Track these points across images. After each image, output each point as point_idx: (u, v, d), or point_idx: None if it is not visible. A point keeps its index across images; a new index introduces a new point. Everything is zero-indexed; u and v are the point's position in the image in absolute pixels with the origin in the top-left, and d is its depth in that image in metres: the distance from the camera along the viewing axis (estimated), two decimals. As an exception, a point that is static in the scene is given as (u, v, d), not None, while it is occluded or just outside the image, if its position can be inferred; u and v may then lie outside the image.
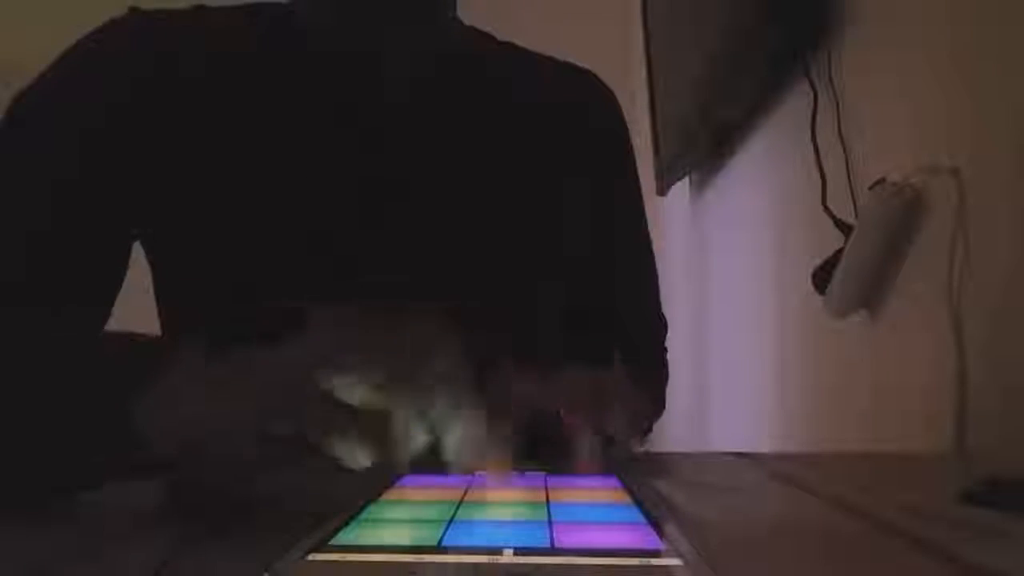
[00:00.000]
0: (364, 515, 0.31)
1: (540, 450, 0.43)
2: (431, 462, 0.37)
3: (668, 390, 0.75)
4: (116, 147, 0.55)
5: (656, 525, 0.30)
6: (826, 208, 0.82)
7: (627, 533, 0.29)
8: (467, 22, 0.67)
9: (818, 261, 0.81)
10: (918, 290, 0.69)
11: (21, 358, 0.44)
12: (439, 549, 0.26)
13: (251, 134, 0.57)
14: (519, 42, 0.69)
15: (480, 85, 0.64)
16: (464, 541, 0.27)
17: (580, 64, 0.71)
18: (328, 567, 0.25)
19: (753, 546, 0.29)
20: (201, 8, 0.61)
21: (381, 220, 0.58)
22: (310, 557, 0.25)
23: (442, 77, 0.62)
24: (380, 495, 0.36)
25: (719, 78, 1.17)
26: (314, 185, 0.58)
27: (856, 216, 0.77)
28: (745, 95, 1.13)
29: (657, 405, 0.73)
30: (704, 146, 1.41)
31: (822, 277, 0.80)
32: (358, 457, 0.36)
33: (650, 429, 0.69)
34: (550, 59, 0.70)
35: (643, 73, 1.81)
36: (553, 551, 0.26)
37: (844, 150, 0.81)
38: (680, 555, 0.25)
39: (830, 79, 0.83)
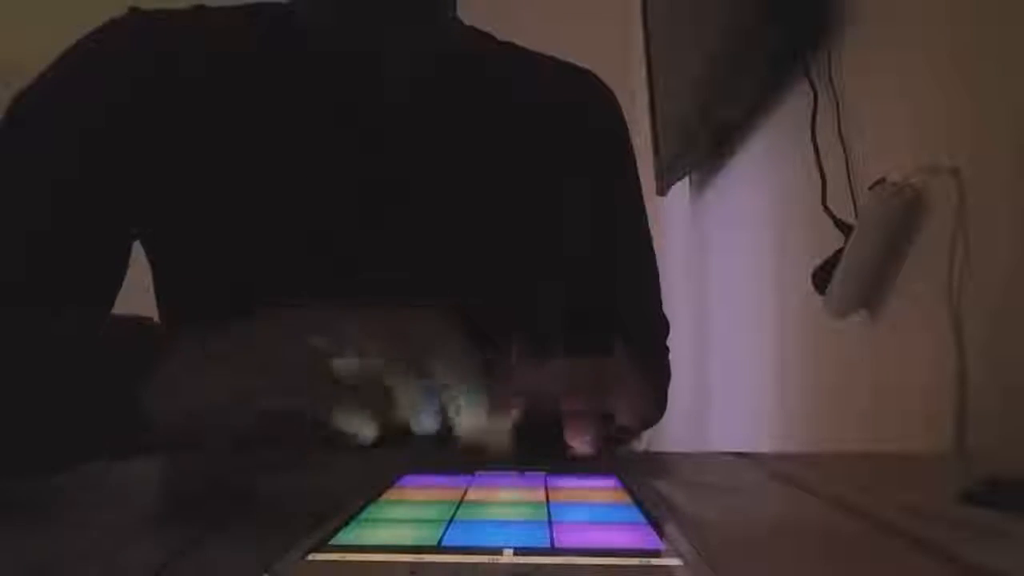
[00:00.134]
0: (364, 515, 0.31)
1: (539, 440, 0.43)
2: (433, 444, 0.37)
3: (669, 391, 0.75)
4: (116, 147, 0.55)
5: (656, 525, 0.30)
6: (826, 208, 0.82)
7: (627, 533, 0.29)
8: (467, 22, 0.67)
9: (818, 261, 0.81)
10: (918, 290, 0.69)
11: (22, 348, 0.44)
12: (439, 549, 0.26)
13: (251, 134, 0.57)
14: (519, 42, 0.69)
15: (480, 85, 0.64)
16: (464, 541, 0.27)
17: (580, 64, 0.71)
18: (328, 567, 0.25)
19: (753, 546, 0.29)
20: (201, 8, 0.61)
21: (381, 220, 0.58)
22: (310, 557, 0.25)
23: (442, 77, 0.62)
24: (380, 495, 0.36)
25: (719, 78, 1.17)
26: (314, 185, 0.58)
27: (856, 216, 0.77)
28: (745, 95, 1.13)
29: (658, 405, 0.73)
30: (704, 146, 1.41)
31: (822, 277, 0.80)
32: (362, 430, 0.36)
33: (653, 422, 0.69)
34: (550, 59, 0.70)
35: (643, 73, 1.80)
36: (553, 551, 0.26)
37: (844, 150, 0.81)
38: (680, 555, 0.25)
39: (830, 79, 0.83)
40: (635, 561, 0.25)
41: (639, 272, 0.73)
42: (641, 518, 0.31)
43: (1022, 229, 0.54)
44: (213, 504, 0.36)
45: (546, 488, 0.37)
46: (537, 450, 0.42)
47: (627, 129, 0.72)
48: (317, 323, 0.38)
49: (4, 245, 0.53)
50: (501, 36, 0.69)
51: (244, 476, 0.41)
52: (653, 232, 0.74)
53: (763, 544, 0.30)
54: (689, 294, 1.70)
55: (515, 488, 0.37)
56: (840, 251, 0.77)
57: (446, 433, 0.38)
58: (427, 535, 0.28)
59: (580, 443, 0.43)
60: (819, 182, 0.84)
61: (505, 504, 0.34)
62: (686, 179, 1.69)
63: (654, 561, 0.25)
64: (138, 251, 0.60)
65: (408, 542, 0.27)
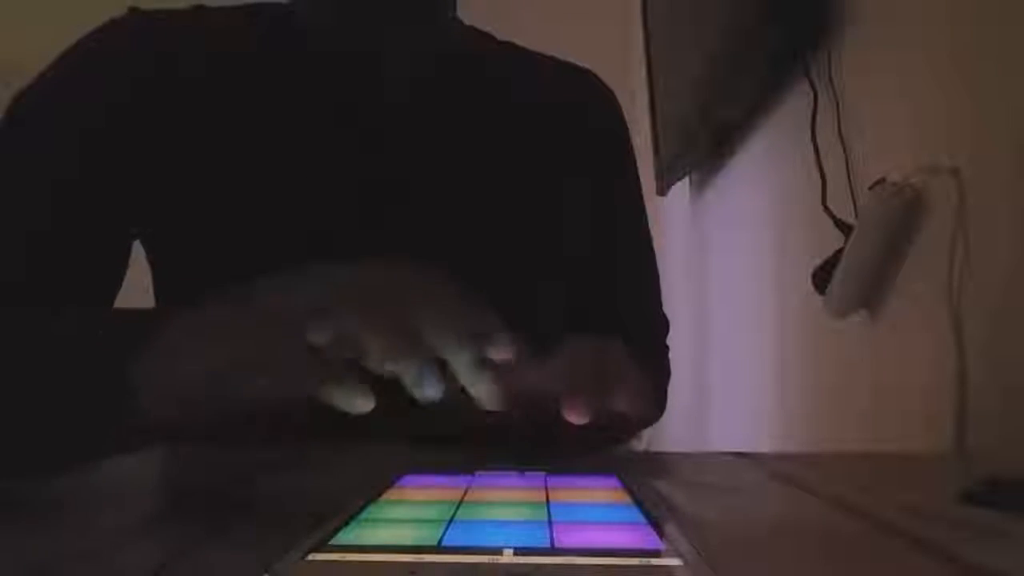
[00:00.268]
0: (364, 515, 0.31)
1: (539, 440, 0.43)
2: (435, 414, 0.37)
3: (668, 390, 0.75)
4: (116, 147, 0.55)
5: (656, 525, 0.30)
6: (826, 208, 0.82)
7: (627, 533, 0.29)
8: (467, 22, 0.67)
9: (818, 261, 0.81)
10: (918, 290, 0.69)
11: (19, 348, 0.43)
12: (439, 549, 0.26)
13: (251, 134, 0.57)
14: (519, 42, 0.69)
15: (480, 85, 0.64)
16: (464, 541, 0.27)
17: (580, 64, 0.71)
18: (328, 567, 0.25)
19: (753, 546, 0.29)
20: (201, 8, 0.61)
21: (381, 220, 0.58)
22: (310, 557, 0.25)
23: (442, 77, 0.62)
24: (380, 495, 0.36)
25: (719, 78, 1.17)
26: (314, 185, 0.58)
27: (856, 216, 0.77)
28: (745, 95, 1.13)
29: (658, 405, 0.73)
30: (704, 146, 1.41)
31: (822, 277, 0.80)
32: (358, 403, 0.36)
33: (652, 421, 0.69)
34: (550, 59, 0.70)
35: (643, 73, 1.81)
36: (553, 551, 0.26)
37: (844, 150, 0.81)
38: (680, 555, 0.25)
39: (830, 79, 0.83)
40: (635, 561, 0.25)
41: (639, 272, 0.73)
42: (641, 518, 0.31)
43: (1022, 229, 0.54)
44: (213, 504, 0.36)
45: (546, 488, 0.37)
46: (536, 450, 0.42)
47: (627, 129, 0.72)
48: (312, 297, 0.38)
49: (4, 245, 0.53)
50: (501, 36, 0.69)
51: (244, 476, 0.41)
52: (653, 232, 0.74)
53: (763, 544, 0.30)
54: (689, 294, 1.70)
55: (515, 488, 0.37)
56: (840, 251, 0.77)
57: (449, 400, 0.38)
58: (427, 535, 0.28)
59: (577, 415, 0.42)
60: (819, 182, 0.84)
61: (505, 504, 0.34)
62: (686, 179, 1.69)
63: (654, 561, 0.25)
64: (138, 251, 0.60)
65: (408, 542, 0.27)
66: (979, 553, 0.27)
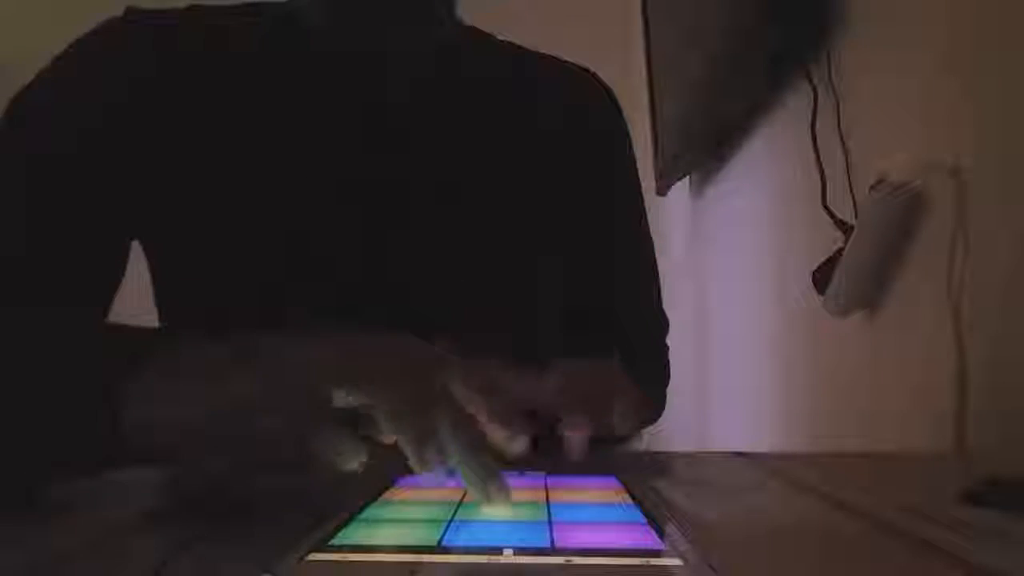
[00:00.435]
0: (364, 515, 0.31)
1: (538, 449, 0.43)
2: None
3: (668, 390, 0.75)
4: (115, 147, 0.55)
5: (656, 525, 0.30)
6: (826, 208, 0.82)
7: (627, 533, 0.29)
8: (467, 22, 0.67)
9: (818, 261, 0.81)
10: (918, 290, 0.69)
11: (17, 348, 0.43)
12: (439, 549, 0.26)
13: (251, 134, 0.57)
14: (519, 42, 0.69)
15: (481, 85, 0.64)
16: (464, 541, 0.27)
17: (580, 64, 0.71)
18: (328, 567, 0.25)
19: (753, 546, 0.29)
20: (201, 8, 0.61)
21: (383, 220, 0.58)
22: (310, 557, 0.25)
23: (443, 77, 0.62)
24: (380, 495, 0.36)
25: (719, 78, 1.17)
26: (315, 185, 0.58)
27: (856, 216, 0.77)
28: (745, 95, 1.13)
29: (657, 404, 0.73)
30: (704, 146, 1.41)
31: (822, 277, 0.80)
32: (350, 461, 0.35)
33: (652, 421, 0.69)
34: (550, 59, 0.70)
35: (643, 73, 1.80)
36: (553, 551, 0.26)
37: (844, 150, 0.81)
38: (680, 555, 0.25)
39: (830, 79, 0.83)
40: (635, 561, 0.25)
41: (639, 271, 0.73)
42: (641, 518, 0.31)
43: (1022, 229, 0.54)
44: (213, 504, 0.36)
45: (546, 488, 0.37)
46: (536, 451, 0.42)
47: (627, 129, 0.72)
48: (319, 358, 0.37)
49: (3, 245, 0.53)
50: (501, 36, 0.69)
51: (243, 477, 0.41)
52: (653, 232, 0.74)
53: (763, 544, 0.30)
54: (689, 294, 1.70)
55: (515, 488, 0.37)
56: (840, 251, 0.77)
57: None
58: (427, 535, 0.28)
59: (576, 451, 0.43)
60: (819, 182, 0.84)
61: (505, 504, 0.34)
62: (686, 179, 1.69)
63: (654, 561, 0.25)
64: (138, 252, 0.60)
65: (408, 542, 0.27)
66: (979, 553, 0.27)
